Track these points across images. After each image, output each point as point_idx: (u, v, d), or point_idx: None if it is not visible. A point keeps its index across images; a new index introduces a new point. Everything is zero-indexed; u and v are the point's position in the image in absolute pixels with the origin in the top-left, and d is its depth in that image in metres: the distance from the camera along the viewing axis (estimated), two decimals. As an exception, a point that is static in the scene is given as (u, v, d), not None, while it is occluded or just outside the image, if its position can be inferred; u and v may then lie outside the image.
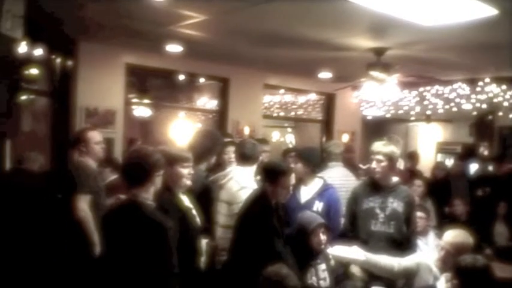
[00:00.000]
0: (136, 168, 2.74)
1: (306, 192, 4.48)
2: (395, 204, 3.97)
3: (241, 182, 4.07)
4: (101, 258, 2.80)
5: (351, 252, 3.48)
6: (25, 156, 4.98)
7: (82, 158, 4.27)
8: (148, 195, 2.76)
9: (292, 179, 3.77)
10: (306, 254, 3.77)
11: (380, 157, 3.97)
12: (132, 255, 2.63)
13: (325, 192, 4.43)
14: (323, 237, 3.80)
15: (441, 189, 7.10)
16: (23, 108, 6.29)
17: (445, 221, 5.99)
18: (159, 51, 6.56)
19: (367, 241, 3.93)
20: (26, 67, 5.73)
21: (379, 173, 4.00)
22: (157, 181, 2.80)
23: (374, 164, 4.01)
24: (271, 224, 3.54)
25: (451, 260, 3.04)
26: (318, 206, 4.35)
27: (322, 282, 3.73)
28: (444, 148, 10.78)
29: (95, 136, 4.34)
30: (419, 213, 4.87)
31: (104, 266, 2.74)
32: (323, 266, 3.76)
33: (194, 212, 3.32)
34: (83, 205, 4.04)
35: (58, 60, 6.42)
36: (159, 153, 2.86)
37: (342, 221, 4.40)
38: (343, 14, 4.54)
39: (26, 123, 6.65)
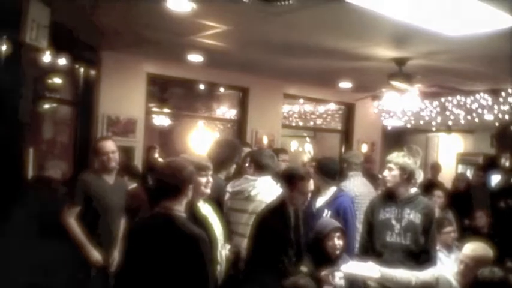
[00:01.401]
0: (172, 181, 2.72)
1: (320, 201, 4.51)
2: (412, 216, 3.91)
3: (274, 195, 3.95)
4: (131, 272, 2.75)
5: (365, 269, 3.38)
6: (47, 164, 5.04)
7: (95, 167, 4.30)
8: (181, 207, 2.74)
9: (311, 185, 3.76)
10: (323, 259, 3.76)
11: (391, 165, 3.96)
12: (168, 269, 2.58)
13: (335, 200, 4.46)
14: (338, 241, 3.79)
15: (462, 200, 6.99)
16: (46, 117, 6.39)
17: (466, 233, 5.90)
18: (180, 61, 6.63)
19: (383, 252, 3.89)
20: (49, 76, 5.83)
21: (390, 181, 3.97)
22: (189, 193, 2.79)
23: (385, 172, 4.01)
24: (283, 235, 3.52)
25: (471, 274, 2.99)
26: (327, 214, 4.37)
27: (338, 289, 3.70)
28: (465, 159, 10.63)
29: (104, 146, 4.27)
30: (448, 228, 4.84)
31: (136, 280, 2.67)
32: (340, 274, 3.72)
33: (211, 220, 3.30)
34: (67, 217, 4.08)
35: (81, 69, 6.51)
36: (191, 164, 2.84)
37: (357, 228, 4.40)
38: (365, 24, 4.53)
39: (48, 131, 6.75)
